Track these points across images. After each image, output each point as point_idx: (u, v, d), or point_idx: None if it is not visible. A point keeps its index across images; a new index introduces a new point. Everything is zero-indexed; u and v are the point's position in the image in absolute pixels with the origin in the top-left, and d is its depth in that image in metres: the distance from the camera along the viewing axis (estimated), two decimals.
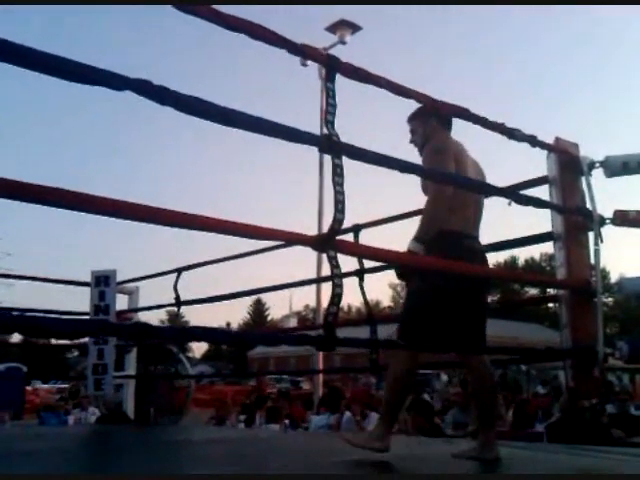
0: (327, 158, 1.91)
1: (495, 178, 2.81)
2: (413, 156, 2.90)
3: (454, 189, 2.72)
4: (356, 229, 3.81)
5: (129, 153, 70.27)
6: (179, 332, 1.65)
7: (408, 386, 2.81)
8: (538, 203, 2.83)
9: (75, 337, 3.80)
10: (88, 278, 5.12)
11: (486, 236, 2.97)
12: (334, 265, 1.92)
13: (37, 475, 1.16)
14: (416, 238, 2.67)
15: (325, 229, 1.91)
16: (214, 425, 7.30)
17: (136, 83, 1.53)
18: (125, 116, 69.45)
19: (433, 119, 2.97)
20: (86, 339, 5.26)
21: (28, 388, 18.37)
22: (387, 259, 2.22)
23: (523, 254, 51.58)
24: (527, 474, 2.50)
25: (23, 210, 58.31)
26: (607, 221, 2.94)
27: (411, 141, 3.04)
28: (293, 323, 38.21)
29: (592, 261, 2.93)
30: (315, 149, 1.90)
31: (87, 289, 5.12)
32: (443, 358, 3.52)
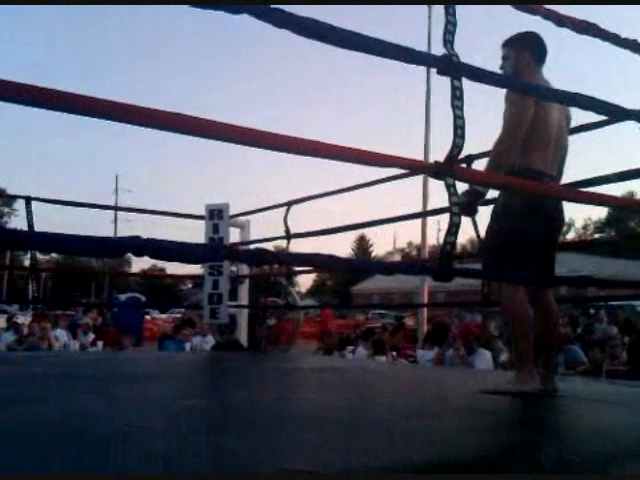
0: (435, 84, 1.83)
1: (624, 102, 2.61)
2: None
3: (539, 126, 2.71)
4: (469, 159, 3.69)
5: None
6: (301, 258, 1.66)
7: (527, 320, 2.76)
8: None
9: (204, 262, 3.98)
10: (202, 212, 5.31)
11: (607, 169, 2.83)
12: (452, 193, 1.87)
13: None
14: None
15: (431, 159, 1.85)
16: (322, 355, 7.51)
17: (253, 7, 1.51)
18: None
19: (527, 51, 2.90)
20: (201, 271, 5.50)
21: (147, 317, 19.65)
22: (509, 187, 2.13)
23: None
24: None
25: (141, 146, 61.07)
26: None
27: (501, 67, 2.97)
28: (397, 260, 38.16)
29: None
30: (421, 76, 1.84)
31: (200, 224, 5.33)
32: None
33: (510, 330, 2.85)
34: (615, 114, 2.46)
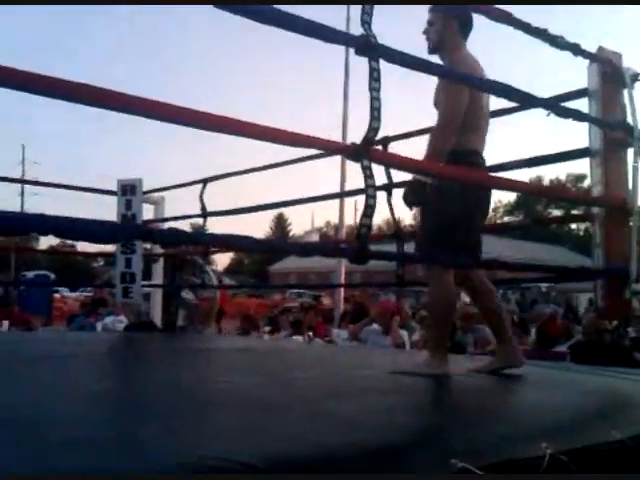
0: (354, 64, 1.82)
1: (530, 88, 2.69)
2: None
3: (473, 107, 2.70)
4: (385, 141, 3.72)
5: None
6: (217, 238, 1.62)
7: (452, 305, 2.83)
8: (578, 116, 2.71)
9: (113, 242, 3.84)
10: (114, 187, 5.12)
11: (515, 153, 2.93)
12: (368, 175, 1.86)
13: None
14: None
15: (349, 140, 1.85)
16: (240, 335, 7.47)
17: None
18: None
19: (456, 20, 2.82)
20: (113, 248, 5.32)
21: (56, 296, 18.93)
22: (426, 171, 2.15)
23: (548, 174, 50.67)
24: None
25: (51, 116, 58.26)
26: None
27: (425, 32, 2.88)
28: (315, 239, 38.26)
29: (630, 179, 2.84)
30: (340, 55, 1.83)
31: (112, 200, 5.14)
32: None
33: (433, 312, 2.89)
34: (526, 101, 2.54)
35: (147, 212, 5.39)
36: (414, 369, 2.77)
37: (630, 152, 2.85)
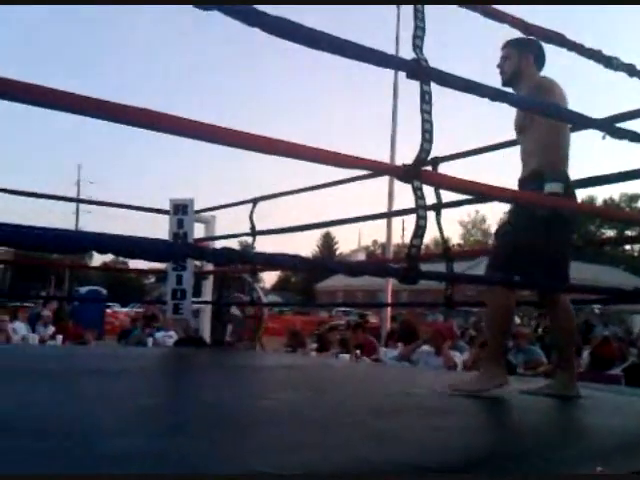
0: (402, 87, 1.83)
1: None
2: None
3: (564, 128, 2.73)
4: (435, 162, 3.71)
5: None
6: (266, 258, 1.65)
7: (508, 321, 2.82)
8: (634, 137, 2.66)
9: (168, 260, 3.93)
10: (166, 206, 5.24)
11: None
12: (419, 196, 1.87)
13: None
14: (553, 179, 2.64)
15: (397, 161, 1.87)
16: (287, 352, 7.49)
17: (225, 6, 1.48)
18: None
19: (531, 53, 2.90)
20: (165, 265, 5.44)
21: (108, 311, 19.35)
22: (478, 192, 2.14)
23: (601, 194, 49.45)
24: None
25: (105, 138, 59.93)
26: None
27: (499, 65, 2.95)
28: (361, 258, 38.19)
29: None
30: (389, 78, 1.84)
31: (163, 218, 5.26)
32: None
33: (491, 329, 2.86)
34: (578, 122, 2.50)
35: (198, 230, 5.49)
36: (467, 386, 2.76)
37: None
